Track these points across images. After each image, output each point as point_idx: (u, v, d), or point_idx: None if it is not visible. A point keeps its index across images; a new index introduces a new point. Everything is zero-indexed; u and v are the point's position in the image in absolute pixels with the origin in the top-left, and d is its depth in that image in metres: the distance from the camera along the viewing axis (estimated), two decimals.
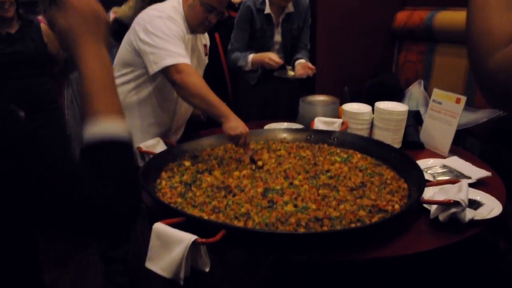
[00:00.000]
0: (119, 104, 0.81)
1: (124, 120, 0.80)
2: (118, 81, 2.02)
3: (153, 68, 1.84)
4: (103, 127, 0.76)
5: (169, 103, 2.08)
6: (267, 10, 2.50)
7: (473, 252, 1.54)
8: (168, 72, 1.82)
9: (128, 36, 1.96)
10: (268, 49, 2.61)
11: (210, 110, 1.82)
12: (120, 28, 2.46)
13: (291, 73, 2.51)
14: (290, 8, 2.50)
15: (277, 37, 2.62)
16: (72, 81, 3.25)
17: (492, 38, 0.71)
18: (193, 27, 2.01)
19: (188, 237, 1.14)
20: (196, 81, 1.81)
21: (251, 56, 2.55)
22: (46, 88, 2.79)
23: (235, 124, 1.78)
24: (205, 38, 2.24)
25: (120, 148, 0.77)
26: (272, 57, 2.45)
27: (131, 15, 2.49)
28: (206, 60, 2.25)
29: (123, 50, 2.00)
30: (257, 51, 2.60)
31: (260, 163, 1.80)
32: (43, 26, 2.77)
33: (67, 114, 3.23)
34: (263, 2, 2.49)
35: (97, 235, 1.03)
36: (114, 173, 0.73)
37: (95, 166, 0.72)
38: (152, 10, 1.94)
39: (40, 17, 3.04)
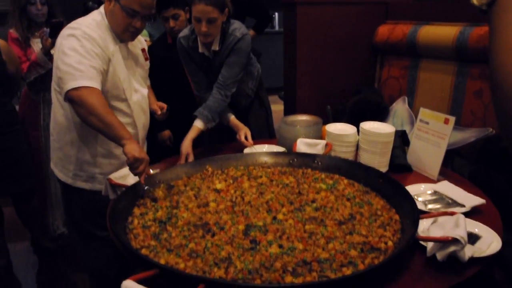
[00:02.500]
0: None
1: None
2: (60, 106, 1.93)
3: (62, 96, 1.76)
4: None
5: (123, 114, 1.97)
6: (200, 49, 2.33)
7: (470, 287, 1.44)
8: (68, 95, 1.71)
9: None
10: (213, 81, 2.44)
11: (110, 131, 1.69)
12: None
13: None
14: (215, 46, 2.31)
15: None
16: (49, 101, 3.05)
17: None
18: (119, 35, 1.91)
19: None
20: (96, 100, 1.69)
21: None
22: (8, 110, 2.62)
23: (138, 147, 1.65)
24: (141, 43, 2.13)
25: None
26: (242, 138, 2.29)
27: None
28: (147, 65, 2.15)
29: (54, 75, 1.91)
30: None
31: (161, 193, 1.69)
32: (1, 42, 2.60)
33: (42, 137, 3.04)
34: (196, 40, 2.33)
35: None
36: None
37: None
38: (66, 29, 1.84)
39: (12, 30, 2.89)
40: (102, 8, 1.93)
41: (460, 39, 2.38)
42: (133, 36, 1.95)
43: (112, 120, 1.68)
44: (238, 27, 2.32)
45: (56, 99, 1.96)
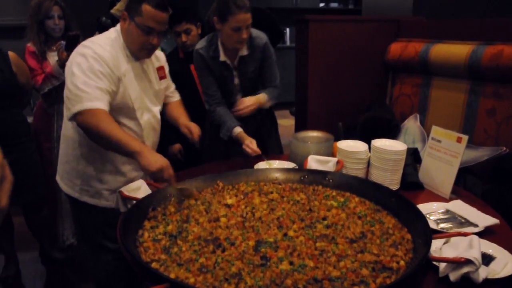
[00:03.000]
0: None
1: None
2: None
3: (67, 115, 1.77)
4: None
5: (132, 132, 1.96)
6: (222, 57, 2.35)
7: None
8: (75, 117, 1.73)
9: None
10: (230, 92, 2.50)
11: (121, 148, 1.68)
12: (113, 24, 2.35)
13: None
14: (244, 51, 2.34)
15: (236, 80, 2.50)
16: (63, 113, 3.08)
17: None
18: (136, 53, 1.91)
19: None
20: (98, 122, 1.68)
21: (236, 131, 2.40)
22: (18, 120, 2.65)
23: (152, 158, 1.64)
24: (159, 61, 2.12)
25: None
26: (249, 145, 2.29)
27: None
28: (162, 84, 2.12)
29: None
30: (221, 94, 2.50)
31: (194, 197, 1.73)
32: (11, 54, 2.64)
33: (54, 149, 3.06)
34: (216, 49, 2.35)
35: None
36: None
37: None
38: (79, 46, 1.85)
39: (29, 44, 2.93)
40: (118, 26, 1.93)
41: (473, 57, 2.38)
42: (149, 53, 1.95)
43: (119, 138, 1.67)
44: (257, 31, 2.41)
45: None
